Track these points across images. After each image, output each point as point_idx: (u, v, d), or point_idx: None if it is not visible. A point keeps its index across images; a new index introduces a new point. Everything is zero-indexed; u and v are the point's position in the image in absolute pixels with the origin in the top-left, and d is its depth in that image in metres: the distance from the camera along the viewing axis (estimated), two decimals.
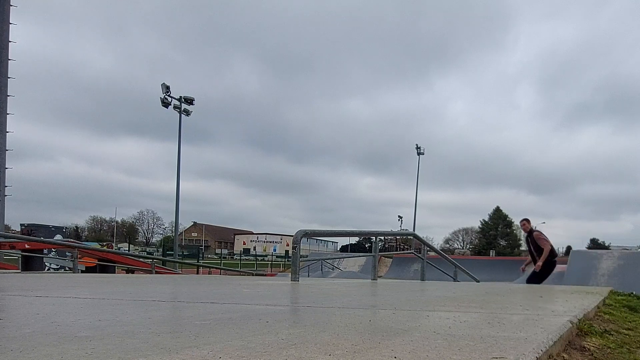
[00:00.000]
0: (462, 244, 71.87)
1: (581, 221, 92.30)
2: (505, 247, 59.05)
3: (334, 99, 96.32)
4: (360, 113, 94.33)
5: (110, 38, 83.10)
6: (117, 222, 69.55)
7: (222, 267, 21.71)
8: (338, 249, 67.92)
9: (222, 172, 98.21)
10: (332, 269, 20.99)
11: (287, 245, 56.92)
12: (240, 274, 17.18)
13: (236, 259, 51.07)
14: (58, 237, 20.30)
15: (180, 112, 29.21)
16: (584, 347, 1.69)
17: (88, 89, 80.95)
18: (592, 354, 1.63)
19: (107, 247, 30.50)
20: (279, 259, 46.98)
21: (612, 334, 2.07)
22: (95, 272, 13.67)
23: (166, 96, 28.57)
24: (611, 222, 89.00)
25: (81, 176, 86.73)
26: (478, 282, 8.71)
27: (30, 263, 13.12)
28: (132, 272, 14.79)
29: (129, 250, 40.40)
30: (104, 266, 14.25)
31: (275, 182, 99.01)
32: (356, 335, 1.45)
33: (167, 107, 28.89)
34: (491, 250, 52.28)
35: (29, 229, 20.57)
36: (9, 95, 16.22)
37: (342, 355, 1.14)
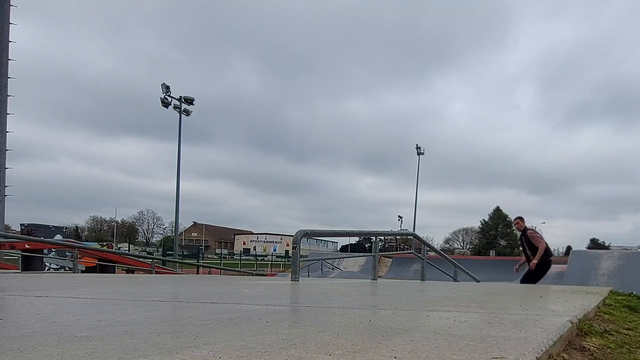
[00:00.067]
0: (462, 244, 71.87)
1: (581, 221, 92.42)
2: (505, 247, 59.06)
3: (334, 99, 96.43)
4: (360, 113, 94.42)
5: (110, 38, 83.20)
6: (117, 222, 69.61)
7: (222, 267, 21.71)
8: (338, 249, 67.91)
9: (222, 172, 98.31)
10: (332, 269, 21.00)
11: (287, 245, 56.92)
12: (240, 274, 17.18)
13: (236, 259, 51.07)
14: (58, 237, 20.30)
15: (180, 112, 29.21)
16: (584, 347, 1.69)
17: (88, 89, 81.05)
18: (592, 354, 1.63)
19: (107, 247, 30.51)
20: (279, 259, 46.97)
21: (612, 334, 2.07)
22: (95, 272, 13.67)
23: (166, 96, 28.57)
24: (611, 222, 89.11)
25: (81, 176, 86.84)
26: (478, 282, 8.70)
27: (30, 263, 13.12)
28: (132, 272, 14.79)
29: (129, 250, 40.40)
30: (104, 266, 14.25)
31: (275, 182, 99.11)
32: (356, 335, 1.45)
33: (167, 107, 28.89)
34: (491, 250, 52.31)
35: (29, 229, 20.56)
36: (9, 95, 16.22)
37: (342, 355, 1.14)
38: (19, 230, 22.36)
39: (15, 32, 16.68)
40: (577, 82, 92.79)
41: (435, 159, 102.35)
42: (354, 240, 59.68)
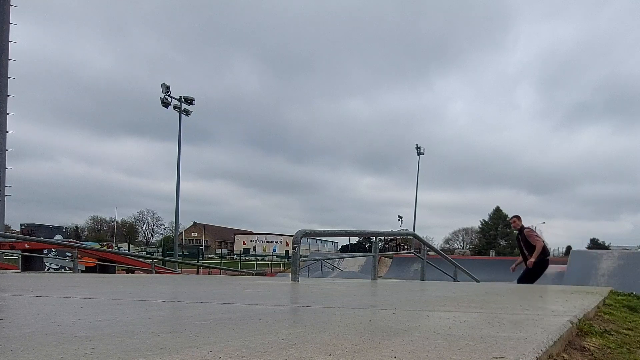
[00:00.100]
0: (462, 244, 71.89)
1: (581, 221, 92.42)
2: (505, 247, 59.06)
3: (334, 99, 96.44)
4: (360, 113, 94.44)
5: (110, 38, 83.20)
6: (117, 222, 69.61)
7: (222, 267, 21.71)
8: (338, 249, 67.90)
9: (222, 172, 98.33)
10: (332, 269, 21.00)
11: (287, 245, 56.92)
12: (240, 274, 17.18)
13: (236, 259, 51.07)
14: (58, 237, 20.30)
15: (180, 112, 29.21)
16: (584, 347, 1.69)
17: (88, 89, 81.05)
18: (592, 354, 1.63)
19: (107, 247, 30.51)
20: (279, 259, 46.97)
21: (612, 334, 2.07)
22: (95, 272, 13.68)
23: (166, 96, 28.57)
24: (611, 222, 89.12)
25: (81, 176, 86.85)
26: (478, 282, 8.70)
27: (30, 263, 13.12)
28: (132, 272, 14.79)
29: (129, 250, 40.40)
30: (104, 266, 14.25)
31: (275, 182, 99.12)
32: (356, 335, 1.45)
33: (167, 107, 28.89)
34: (491, 250, 52.35)
35: (29, 229, 20.56)
36: (9, 95, 16.22)
37: (342, 355, 1.14)
38: (19, 230, 22.35)
39: (15, 32, 16.70)
40: (577, 82, 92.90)
41: (435, 159, 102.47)
42: (354, 240, 59.73)
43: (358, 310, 2.26)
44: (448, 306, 2.51)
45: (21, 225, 22.02)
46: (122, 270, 14.70)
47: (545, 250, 7.21)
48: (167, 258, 24.85)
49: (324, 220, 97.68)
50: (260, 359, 1.10)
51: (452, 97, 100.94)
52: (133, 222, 76.09)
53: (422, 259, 7.97)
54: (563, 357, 1.49)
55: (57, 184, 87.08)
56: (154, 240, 75.51)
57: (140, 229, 78.49)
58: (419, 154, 47.68)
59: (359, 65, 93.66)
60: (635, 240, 75.41)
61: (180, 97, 29.13)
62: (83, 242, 28.51)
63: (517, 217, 7.50)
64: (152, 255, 25.02)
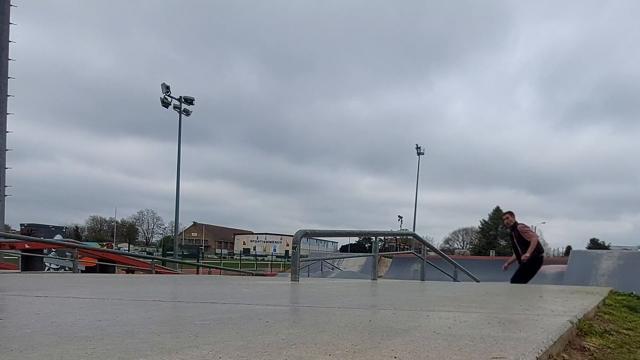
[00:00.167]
0: (462, 244, 71.91)
1: (581, 221, 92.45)
2: (505, 247, 58.98)
3: (334, 99, 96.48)
4: (360, 113, 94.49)
5: (110, 38, 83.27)
6: (117, 222, 69.64)
7: (222, 267, 21.72)
8: (338, 249, 67.89)
9: (222, 172, 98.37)
10: (332, 269, 20.99)
11: (287, 245, 56.91)
12: (240, 274, 17.18)
13: (236, 259, 51.07)
14: (58, 237, 20.31)
15: (180, 112, 29.21)
16: (584, 347, 1.69)
17: (88, 89, 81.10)
18: (592, 354, 1.63)
19: (107, 247, 30.53)
20: (279, 259, 46.97)
21: (612, 334, 2.07)
22: (95, 272, 13.67)
23: (166, 96, 28.57)
24: (611, 222, 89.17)
25: (81, 176, 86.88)
26: (478, 282, 8.70)
27: (30, 263, 13.12)
28: (132, 272, 14.79)
29: (129, 250, 40.40)
30: (104, 266, 14.25)
31: (275, 182, 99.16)
32: (356, 335, 1.45)
33: (167, 107, 28.89)
34: (491, 250, 52.38)
35: (29, 229, 20.58)
36: (9, 95, 16.21)
37: (342, 355, 1.14)
38: (19, 230, 22.36)
39: (15, 32, 16.69)
40: (577, 82, 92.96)
41: (435, 159, 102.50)
42: (354, 240, 59.72)
43: (358, 310, 2.26)
44: (448, 306, 2.51)
45: (21, 225, 22.04)
46: (122, 270, 14.70)
47: (539, 247, 7.01)
48: (167, 258, 24.84)
49: (324, 220, 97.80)
50: (260, 359, 1.10)
51: (452, 97, 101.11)
52: (133, 222, 76.18)
53: (422, 259, 7.97)
54: (563, 357, 1.49)
55: (57, 184, 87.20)
56: (154, 240, 75.56)
57: (140, 229, 78.56)
58: (419, 154, 47.71)
59: (359, 65, 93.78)
60: (635, 240, 75.57)
61: (180, 97, 29.13)
62: (83, 242, 28.51)
63: (511, 213, 7.28)
64: (152, 255, 25.02)
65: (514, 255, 7.34)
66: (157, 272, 12.89)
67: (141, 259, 16.67)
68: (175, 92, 29.10)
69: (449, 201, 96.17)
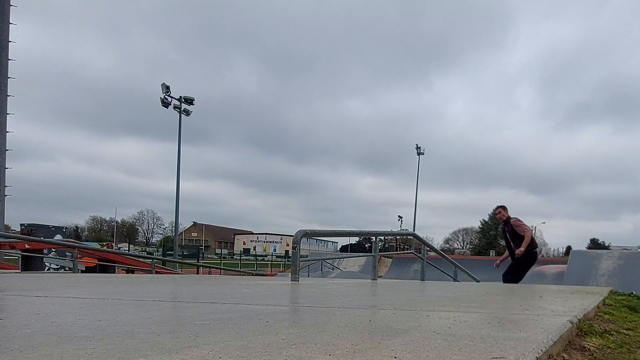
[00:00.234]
0: (462, 244, 71.91)
1: (581, 221, 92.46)
2: (505, 247, 58.98)
3: (334, 99, 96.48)
4: (360, 113, 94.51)
5: (110, 38, 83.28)
6: (117, 222, 69.65)
7: (222, 267, 21.72)
8: (338, 249, 67.90)
9: (222, 172, 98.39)
10: (332, 269, 21.00)
11: (287, 245, 56.92)
12: (240, 274, 17.18)
13: (236, 259, 51.06)
14: (58, 237, 20.31)
15: (180, 112, 29.22)
16: (584, 347, 1.69)
17: (88, 89, 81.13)
18: (592, 354, 1.63)
19: (107, 247, 30.52)
20: (279, 259, 46.98)
21: (612, 334, 2.07)
22: (95, 272, 13.67)
23: (166, 96, 28.58)
24: (611, 222, 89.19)
25: (81, 176, 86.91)
26: (478, 282, 8.70)
27: (30, 263, 13.12)
28: (132, 272, 14.79)
29: (129, 250, 40.39)
30: (104, 266, 14.25)
31: (275, 182, 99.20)
32: (356, 335, 1.45)
33: (167, 107, 28.90)
34: (491, 250, 52.36)
35: (29, 229, 20.57)
36: (9, 95, 16.22)
37: (342, 355, 1.14)
38: (19, 230, 22.36)
39: (15, 32, 16.73)
40: (577, 82, 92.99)
41: (435, 159, 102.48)
42: (354, 240, 59.73)
43: (358, 310, 2.26)
44: (448, 306, 2.51)
45: (21, 225, 22.03)
46: (122, 270, 14.70)
47: (533, 242, 6.73)
48: (167, 258, 24.84)
49: (324, 220, 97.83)
50: (260, 359, 1.10)
51: (452, 97, 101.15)
52: (133, 222, 76.19)
53: (422, 259, 7.96)
54: (563, 357, 1.49)
55: (57, 184, 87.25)
56: (154, 240, 75.56)
57: (140, 229, 78.56)
58: (419, 154, 47.71)
59: (359, 65, 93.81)
60: (635, 240, 75.53)
61: (180, 97, 29.14)
62: (83, 242, 28.50)
63: (503, 207, 6.94)
64: (152, 255, 25.03)
65: (506, 252, 7.07)
66: (157, 272, 12.89)
67: (141, 259, 16.68)
68: (175, 92, 29.17)
69: (449, 201, 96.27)
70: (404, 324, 1.74)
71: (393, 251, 39.08)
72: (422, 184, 68.71)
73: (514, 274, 6.68)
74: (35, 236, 16.69)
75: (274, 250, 61.12)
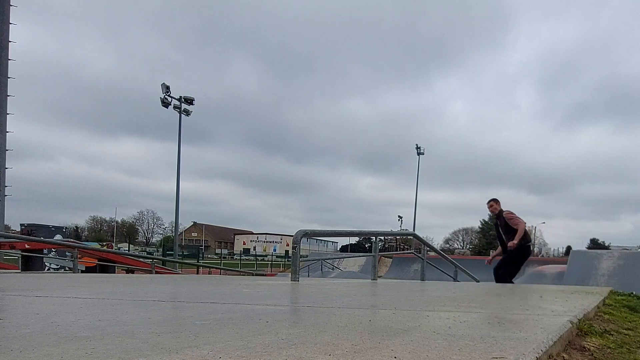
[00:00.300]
0: (462, 244, 71.90)
1: (581, 221, 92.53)
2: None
3: (334, 99, 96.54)
4: (360, 113, 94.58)
5: (110, 38, 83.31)
6: (117, 222, 69.67)
7: (222, 267, 21.72)
8: (338, 249, 67.91)
9: (222, 172, 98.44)
10: (332, 269, 20.99)
11: (287, 245, 56.92)
12: (240, 274, 17.18)
13: (236, 259, 51.06)
14: (58, 237, 20.30)
15: (180, 112, 29.22)
16: (584, 347, 1.69)
17: (88, 89, 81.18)
18: (592, 354, 1.63)
19: (107, 247, 30.52)
20: (279, 259, 46.97)
21: (612, 334, 2.07)
22: (95, 272, 13.67)
23: (166, 96, 28.58)
24: (611, 222, 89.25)
25: (81, 176, 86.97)
26: (478, 282, 8.70)
27: (30, 263, 13.13)
28: (132, 272, 14.79)
29: (129, 250, 40.39)
30: (104, 266, 14.25)
31: (275, 182, 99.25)
32: (356, 335, 1.45)
33: (167, 107, 28.90)
34: (491, 250, 52.05)
35: (29, 229, 20.55)
36: (9, 95, 16.22)
37: (342, 355, 1.14)
38: (19, 230, 22.33)
39: (15, 32, 16.73)
40: (577, 82, 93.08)
41: (435, 159, 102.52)
42: (354, 240, 59.74)
43: (358, 310, 2.26)
44: (448, 306, 2.51)
45: (21, 225, 22.01)
46: (122, 270, 14.70)
47: (527, 236, 6.53)
48: (167, 258, 24.84)
49: (324, 220, 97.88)
50: (260, 359, 1.10)
51: (452, 97, 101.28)
52: (133, 222, 76.20)
53: (422, 259, 7.96)
54: (563, 357, 1.49)
55: (57, 184, 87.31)
56: (154, 240, 75.58)
57: (140, 229, 78.58)
58: (419, 154, 47.69)
59: (359, 65, 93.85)
60: (635, 240, 75.63)
61: (180, 97, 29.14)
62: (83, 242, 28.50)
63: (495, 200, 6.73)
64: (152, 255, 25.02)
65: (498, 249, 6.88)
66: (157, 272, 12.89)
67: (141, 259, 16.68)
68: (175, 92, 29.18)
69: (449, 201, 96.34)
70: (404, 324, 1.74)
71: (393, 251, 39.08)
72: (422, 184, 68.78)
73: (506, 267, 6.53)
74: (35, 236, 16.68)
75: (274, 250, 61.12)
